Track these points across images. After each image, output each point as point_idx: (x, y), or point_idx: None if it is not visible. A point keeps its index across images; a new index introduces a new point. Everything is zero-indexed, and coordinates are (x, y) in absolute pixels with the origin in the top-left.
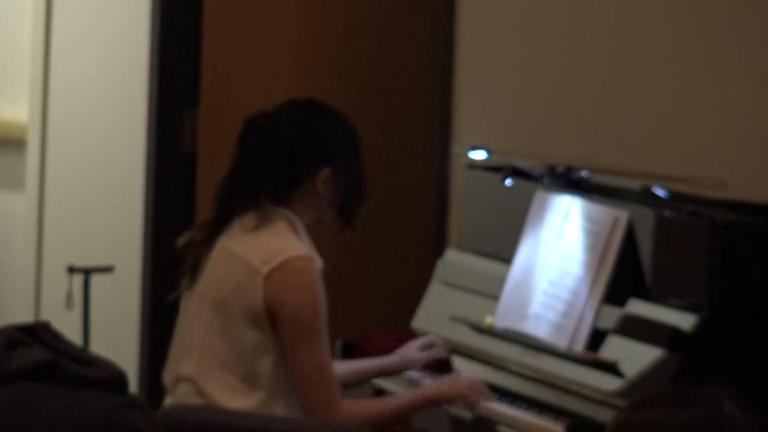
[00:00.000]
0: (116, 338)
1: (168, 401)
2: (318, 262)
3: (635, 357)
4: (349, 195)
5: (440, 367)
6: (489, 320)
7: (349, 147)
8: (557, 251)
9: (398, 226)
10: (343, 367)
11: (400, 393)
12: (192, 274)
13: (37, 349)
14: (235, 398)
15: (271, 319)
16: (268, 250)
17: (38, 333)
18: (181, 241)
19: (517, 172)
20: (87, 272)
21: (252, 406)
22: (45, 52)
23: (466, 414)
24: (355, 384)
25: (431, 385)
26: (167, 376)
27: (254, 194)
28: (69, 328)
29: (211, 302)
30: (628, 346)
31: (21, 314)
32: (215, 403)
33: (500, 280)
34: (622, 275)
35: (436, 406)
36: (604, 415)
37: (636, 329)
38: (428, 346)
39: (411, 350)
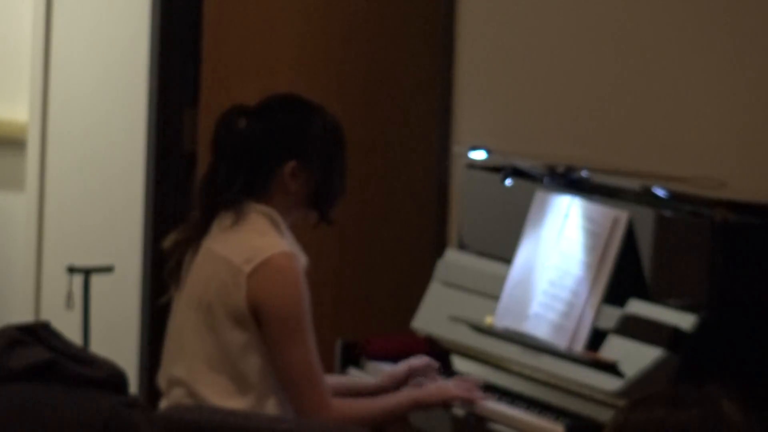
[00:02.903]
0: (116, 338)
1: (163, 404)
2: (302, 260)
3: (635, 357)
4: (320, 189)
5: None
6: (489, 320)
7: (321, 141)
8: (557, 251)
9: (398, 226)
10: (340, 381)
11: (390, 395)
12: (178, 276)
13: (38, 349)
14: (226, 399)
15: (256, 318)
16: (250, 248)
17: (38, 333)
18: (167, 242)
19: (517, 172)
20: (87, 272)
21: (244, 406)
22: (45, 52)
23: (459, 412)
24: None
25: (421, 388)
26: (161, 379)
27: (228, 190)
28: (69, 328)
29: (197, 304)
30: (628, 346)
31: (21, 314)
32: (208, 404)
33: (500, 280)
34: (622, 275)
35: (425, 409)
36: (604, 415)
37: (636, 329)
38: (416, 368)
39: (399, 370)
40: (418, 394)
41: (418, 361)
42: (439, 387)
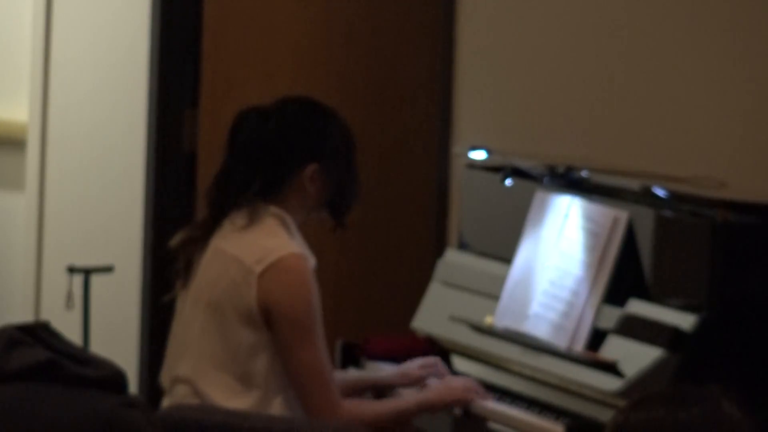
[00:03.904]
0: (116, 338)
1: (166, 402)
2: (311, 261)
3: (635, 357)
4: (337, 193)
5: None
6: (489, 320)
7: (339, 145)
8: (557, 251)
9: (398, 226)
10: (339, 377)
11: (400, 397)
12: (185, 275)
13: (37, 349)
14: (231, 398)
15: (266, 318)
16: (261, 249)
17: (38, 333)
18: (174, 241)
19: (517, 172)
20: (87, 272)
21: (248, 405)
22: (45, 52)
23: (459, 412)
24: (349, 395)
25: (431, 390)
26: (164, 378)
27: (243, 191)
28: (69, 328)
29: (205, 303)
30: (628, 346)
31: (21, 314)
32: (212, 403)
33: (500, 280)
34: (622, 275)
35: (435, 411)
36: (604, 415)
37: (636, 329)
38: (427, 366)
39: (411, 368)
40: (427, 395)
41: (428, 360)
42: (447, 388)
